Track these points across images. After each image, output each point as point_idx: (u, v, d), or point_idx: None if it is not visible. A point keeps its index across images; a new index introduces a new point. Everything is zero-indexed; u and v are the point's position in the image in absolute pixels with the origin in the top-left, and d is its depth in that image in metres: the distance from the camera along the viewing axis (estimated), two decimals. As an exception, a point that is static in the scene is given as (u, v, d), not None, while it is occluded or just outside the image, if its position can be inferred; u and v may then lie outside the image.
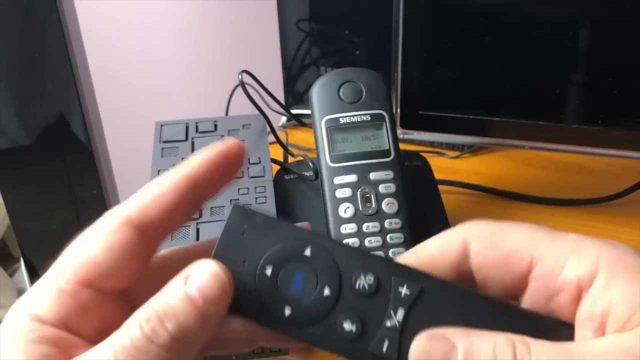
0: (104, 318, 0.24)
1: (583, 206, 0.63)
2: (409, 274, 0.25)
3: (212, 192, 0.26)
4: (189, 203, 0.25)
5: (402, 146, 0.51)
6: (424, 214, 0.52)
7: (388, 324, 0.25)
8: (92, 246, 0.24)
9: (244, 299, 0.25)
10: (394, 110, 0.54)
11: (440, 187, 0.57)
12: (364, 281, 0.25)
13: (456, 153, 0.73)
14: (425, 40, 0.57)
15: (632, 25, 0.52)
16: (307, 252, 0.25)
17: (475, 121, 0.59)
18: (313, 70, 0.79)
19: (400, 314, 0.25)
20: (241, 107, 0.64)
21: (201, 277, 0.23)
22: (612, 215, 0.62)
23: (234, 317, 0.25)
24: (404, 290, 0.25)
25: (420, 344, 0.24)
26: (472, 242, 0.25)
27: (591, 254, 0.24)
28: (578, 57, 0.54)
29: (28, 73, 0.58)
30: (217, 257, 0.25)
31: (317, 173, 0.50)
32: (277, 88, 0.79)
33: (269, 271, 0.25)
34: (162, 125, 0.57)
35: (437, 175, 0.58)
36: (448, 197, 0.62)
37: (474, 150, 0.74)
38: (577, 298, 0.24)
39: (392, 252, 0.46)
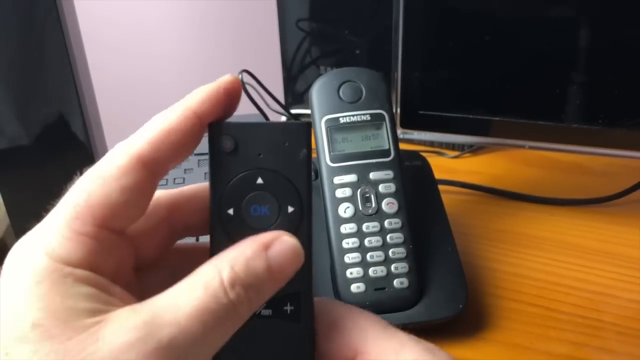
0: (119, 258, 0.24)
1: (583, 206, 0.63)
2: None
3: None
4: (196, 138, 0.25)
5: (402, 146, 0.51)
6: (424, 214, 0.52)
7: None
8: (109, 187, 0.23)
9: None
10: (394, 110, 0.54)
11: (440, 187, 0.57)
12: None
13: (456, 153, 0.73)
14: (425, 40, 0.57)
15: (632, 25, 0.51)
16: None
17: (475, 121, 0.59)
18: (313, 70, 0.79)
19: None
20: (241, 106, 0.64)
21: (284, 253, 0.23)
22: (612, 215, 0.62)
23: None
24: None
25: None
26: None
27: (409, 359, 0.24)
28: (578, 57, 0.54)
29: (27, 73, 0.58)
30: None
31: (317, 173, 0.50)
32: (277, 88, 0.79)
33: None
34: (161, 125, 0.56)
35: (437, 175, 0.58)
36: (448, 197, 0.62)
37: (474, 150, 0.74)
38: None
39: (392, 252, 0.46)
